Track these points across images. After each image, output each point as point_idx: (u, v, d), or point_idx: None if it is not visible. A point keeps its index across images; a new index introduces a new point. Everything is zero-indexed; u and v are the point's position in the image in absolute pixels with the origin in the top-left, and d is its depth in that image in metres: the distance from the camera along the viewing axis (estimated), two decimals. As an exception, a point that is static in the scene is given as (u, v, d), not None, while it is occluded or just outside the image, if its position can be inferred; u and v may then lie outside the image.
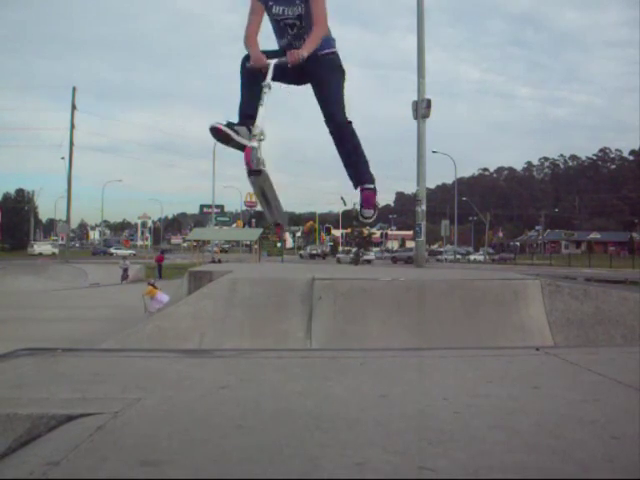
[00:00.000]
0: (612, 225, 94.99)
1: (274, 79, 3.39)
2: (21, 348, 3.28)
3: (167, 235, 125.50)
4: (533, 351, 3.38)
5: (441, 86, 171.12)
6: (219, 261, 36.86)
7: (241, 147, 3.41)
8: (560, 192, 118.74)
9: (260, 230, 41.38)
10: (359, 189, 3.62)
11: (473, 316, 4.66)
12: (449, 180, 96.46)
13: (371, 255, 48.11)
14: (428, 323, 4.57)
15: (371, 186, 3.62)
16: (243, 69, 3.46)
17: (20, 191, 74.73)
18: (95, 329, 8.64)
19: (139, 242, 77.15)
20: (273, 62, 3.32)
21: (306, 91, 3.56)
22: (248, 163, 3.22)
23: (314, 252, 61.84)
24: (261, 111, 3.29)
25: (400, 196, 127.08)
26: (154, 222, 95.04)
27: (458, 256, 60.64)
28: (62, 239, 48.81)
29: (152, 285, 12.39)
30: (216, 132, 3.34)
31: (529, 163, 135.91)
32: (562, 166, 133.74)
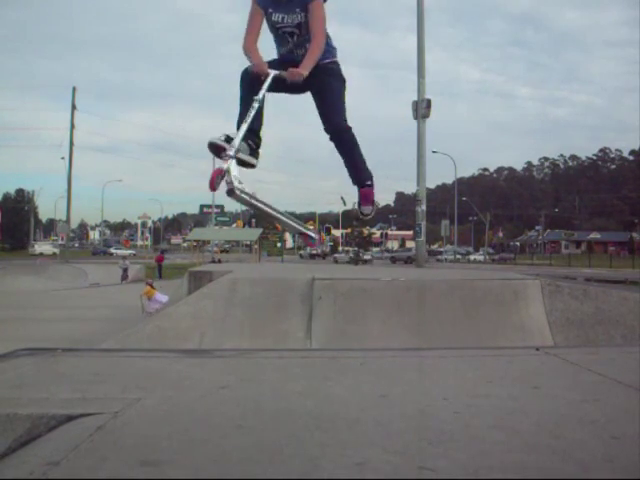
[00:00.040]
0: (612, 225, 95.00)
1: (273, 90, 3.37)
2: (21, 348, 3.28)
3: (167, 235, 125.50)
4: (533, 351, 3.38)
5: (441, 86, 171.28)
6: (219, 261, 36.86)
7: (241, 163, 3.40)
8: (560, 192, 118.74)
9: (260, 230, 41.35)
10: (358, 187, 3.67)
11: (473, 316, 4.66)
12: (449, 180, 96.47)
13: (367, 255, 48.10)
14: (428, 323, 4.57)
15: (369, 183, 3.67)
16: (243, 82, 3.42)
17: (20, 191, 74.81)
18: (95, 329, 8.64)
19: (139, 242, 77.17)
20: (273, 73, 3.28)
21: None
22: (211, 185, 3.11)
23: (314, 252, 61.81)
24: (243, 127, 3.23)
25: (400, 196, 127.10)
26: (154, 222, 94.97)
27: (458, 256, 60.65)
28: (62, 239, 48.75)
29: (150, 285, 12.36)
30: (215, 148, 3.27)
31: (529, 163, 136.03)
32: (562, 166, 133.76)
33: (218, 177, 3.11)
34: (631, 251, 65.07)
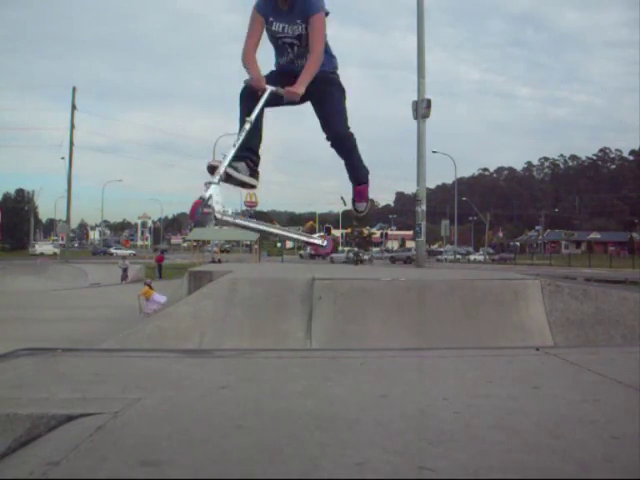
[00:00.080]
0: (612, 225, 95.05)
1: (271, 105, 3.35)
2: (21, 348, 3.28)
3: (167, 235, 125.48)
4: (533, 351, 3.38)
5: (441, 86, 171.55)
6: (219, 261, 36.84)
7: (241, 184, 3.38)
8: (560, 192, 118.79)
9: (260, 230, 41.23)
10: (353, 185, 3.73)
11: (473, 316, 4.65)
12: (449, 180, 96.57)
13: (366, 255, 48.08)
14: (428, 323, 4.57)
15: (364, 180, 3.73)
16: (242, 101, 3.39)
17: (20, 191, 74.87)
18: (95, 329, 8.64)
19: (139, 242, 77.19)
20: (270, 89, 3.25)
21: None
22: (192, 215, 3.09)
23: (314, 252, 61.75)
24: (231, 152, 3.19)
25: (400, 196, 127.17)
26: (154, 222, 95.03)
27: (458, 256, 60.66)
28: (62, 239, 48.79)
29: (148, 285, 12.33)
30: (214, 170, 3.23)
31: (529, 163, 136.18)
32: (562, 166, 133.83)
33: (199, 207, 3.09)
34: (631, 251, 65.12)
